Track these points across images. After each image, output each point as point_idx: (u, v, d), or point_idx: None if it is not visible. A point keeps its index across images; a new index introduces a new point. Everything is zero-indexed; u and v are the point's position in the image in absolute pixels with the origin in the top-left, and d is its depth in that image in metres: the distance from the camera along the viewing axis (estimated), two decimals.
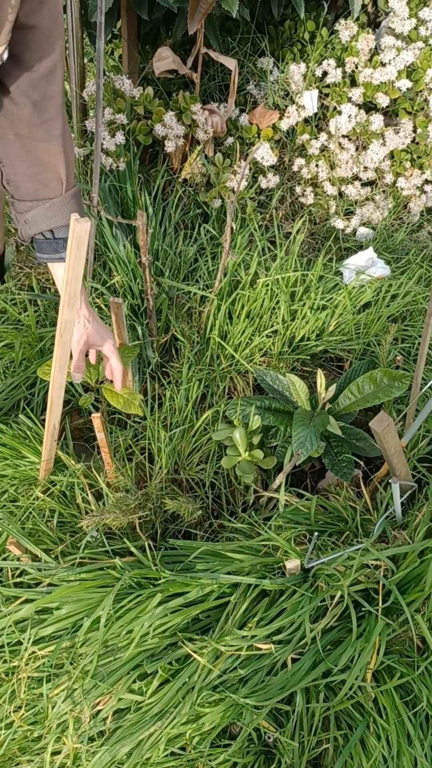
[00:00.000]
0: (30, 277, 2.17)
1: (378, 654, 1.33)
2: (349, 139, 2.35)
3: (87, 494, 1.59)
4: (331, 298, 2.01)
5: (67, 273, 1.13)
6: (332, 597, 1.35)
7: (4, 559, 1.53)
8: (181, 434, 1.81)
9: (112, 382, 1.53)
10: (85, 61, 2.20)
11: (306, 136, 2.35)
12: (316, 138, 2.34)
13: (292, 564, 1.36)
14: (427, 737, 1.32)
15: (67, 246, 1.29)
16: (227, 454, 1.73)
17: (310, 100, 2.27)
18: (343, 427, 1.76)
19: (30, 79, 1.15)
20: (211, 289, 1.95)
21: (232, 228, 1.73)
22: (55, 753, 1.29)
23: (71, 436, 1.81)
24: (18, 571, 1.48)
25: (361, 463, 1.76)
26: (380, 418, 1.18)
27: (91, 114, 2.07)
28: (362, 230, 2.39)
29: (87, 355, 1.54)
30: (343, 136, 2.35)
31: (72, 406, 1.95)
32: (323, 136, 2.33)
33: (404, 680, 1.29)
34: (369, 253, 2.16)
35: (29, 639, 1.32)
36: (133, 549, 1.43)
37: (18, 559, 1.48)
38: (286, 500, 1.59)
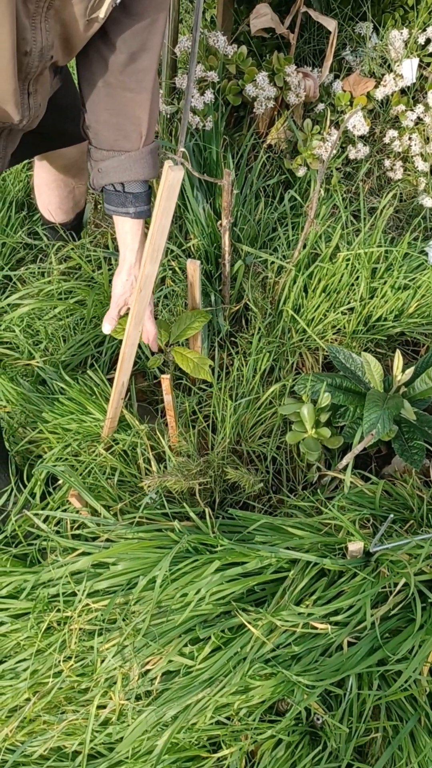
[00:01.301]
0: (106, 235, 2.16)
1: None
2: None
3: (149, 455, 1.58)
4: (415, 278, 1.92)
5: (153, 225, 1.10)
6: (395, 585, 1.30)
7: (64, 511, 1.53)
8: (247, 405, 1.78)
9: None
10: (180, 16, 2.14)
11: (401, 107, 2.23)
12: (412, 110, 2.23)
13: (356, 546, 1.31)
14: None
15: (135, 201, 1.27)
16: (293, 430, 1.68)
17: (409, 69, 2.15)
18: (416, 413, 1.68)
19: (132, 28, 1.12)
20: (288, 260, 1.89)
21: (319, 194, 1.66)
22: (100, 707, 1.30)
23: (135, 398, 1.80)
24: (77, 524, 1.48)
25: None
26: None
27: (180, 72, 2.02)
28: None
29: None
30: None
31: (138, 368, 1.94)
32: (419, 108, 2.22)
33: None
34: None
35: (84, 591, 1.32)
36: (191, 514, 1.41)
37: (77, 512, 1.49)
38: (351, 482, 1.53)
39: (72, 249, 2.00)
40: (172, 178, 0.99)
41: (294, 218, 2.07)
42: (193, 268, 1.52)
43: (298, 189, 2.11)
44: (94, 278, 1.98)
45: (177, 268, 1.92)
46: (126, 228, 1.31)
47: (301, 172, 2.08)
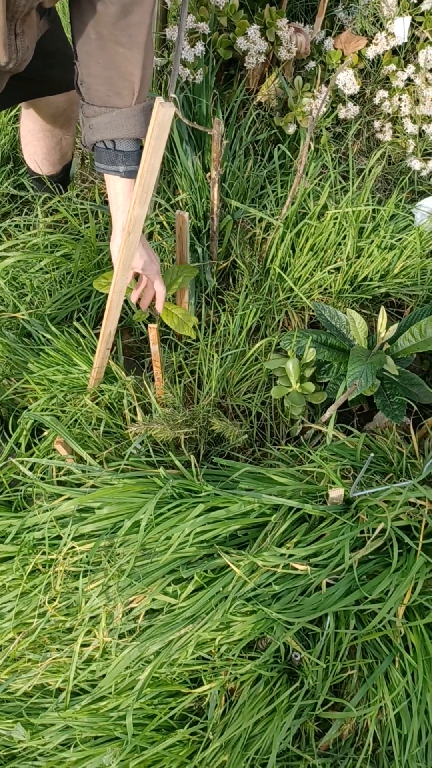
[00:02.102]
0: (93, 189, 2.14)
1: (413, 592, 1.31)
2: None
3: (135, 405, 1.59)
4: (401, 239, 1.93)
5: (143, 164, 1.09)
6: (372, 530, 1.33)
7: (50, 458, 1.55)
8: (233, 360, 1.79)
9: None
10: None
11: (392, 67, 2.22)
12: (403, 70, 2.21)
13: (336, 493, 1.34)
14: None
15: (126, 160, 1.25)
16: (278, 385, 1.70)
17: (401, 28, 2.13)
18: (399, 370, 1.71)
19: None
20: (277, 216, 1.89)
21: (309, 147, 1.66)
22: (84, 645, 1.33)
23: (122, 353, 1.81)
24: (62, 471, 1.50)
25: (414, 406, 1.71)
26: None
27: (170, 23, 1.99)
28: None
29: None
30: (431, 70, 2.22)
31: (124, 324, 1.94)
32: (410, 69, 2.21)
33: None
34: None
35: (69, 534, 1.34)
36: (176, 462, 1.43)
37: (63, 460, 1.50)
38: (333, 435, 1.56)
39: (58, 202, 1.98)
40: (162, 114, 0.98)
41: (283, 176, 2.07)
42: (182, 220, 1.52)
43: (288, 148, 2.10)
44: (80, 232, 1.97)
45: (165, 223, 1.91)
46: (117, 188, 1.29)
47: (291, 130, 2.07)
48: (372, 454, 1.19)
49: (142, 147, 1.29)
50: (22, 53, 1.18)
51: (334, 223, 1.90)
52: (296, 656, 1.27)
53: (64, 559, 1.36)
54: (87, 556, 1.33)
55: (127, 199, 1.29)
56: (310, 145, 1.69)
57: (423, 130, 2.27)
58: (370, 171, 2.02)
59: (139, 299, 1.54)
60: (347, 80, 2.07)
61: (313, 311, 1.95)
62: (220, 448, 1.69)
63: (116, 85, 1.20)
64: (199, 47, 1.89)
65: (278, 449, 1.68)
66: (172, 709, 1.27)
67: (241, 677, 1.28)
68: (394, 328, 1.67)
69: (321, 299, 1.96)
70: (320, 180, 2.04)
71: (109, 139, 1.24)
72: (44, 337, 1.75)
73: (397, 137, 2.32)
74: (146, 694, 1.26)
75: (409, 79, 2.27)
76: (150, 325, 1.47)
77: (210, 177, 1.64)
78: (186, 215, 1.50)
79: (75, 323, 1.76)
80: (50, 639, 1.39)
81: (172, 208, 1.92)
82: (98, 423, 1.61)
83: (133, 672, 1.26)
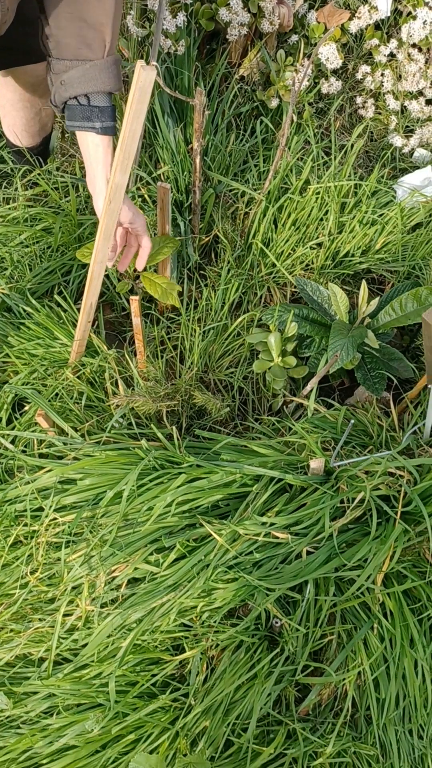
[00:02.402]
0: (74, 163, 2.11)
1: (392, 559, 1.34)
2: (420, 50, 2.22)
3: (117, 378, 1.59)
4: (383, 214, 1.94)
5: (124, 129, 1.08)
6: (352, 499, 1.35)
7: (32, 431, 1.54)
8: (215, 335, 1.79)
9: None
10: None
11: (375, 41, 2.21)
12: (386, 44, 2.21)
13: (317, 463, 1.36)
14: (430, 644, 1.35)
15: (101, 115, 1.22)
16: (260, 359, 1.71)
17: (384, 2, 2.12)
18: (379, 345, 1.72)
19: None
20: (259, 190, 1.89)
21: (292, 120, 1.65)
22: (67, 614, 1.33)
23: (104, 328, 1.80)
24: (43, 444, 1.50)
25: (395, 380, 1.73)
26: None
27: None
28: (420, 152, 2.28)
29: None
30: (413, 45, 2.21)
31: (105, 299, 1.93)
32: (393, 43, 2.20)
33: (414, 584, 1.30)
34: (426, 173, 2.06)
35: (51, 506, 1.34)
36: (158, 434, 1.43)
37: (45, 433, 1.50)
38: (315, 409, 1.57)
39: (38, 175, 1.95)
40: (144, 78, 0.97)
41: (266, 151, 2.06)
42: (164, 192, 1.51)
43: (270, 121, 2.09)
44: (61, 206, 1.95)
45: (147, 196, 1.90)
46: (96, 141, 1.25)
47: (273, 104, 2.06)
48: (352, 421, 1.20)
49: (115, 105, 1.26)
50: (2, 15, 1.16)
51: (317, 198, 1.90)
52: (277, 623, 1.29)
53: (46, 530, 1.36)
54: (69, 527, 1.33)
55: (107, 152, 1.25)
56: (292, 118, 1.68)
57: (405, 107, 2.27)
58: (352, 147, 2.02)
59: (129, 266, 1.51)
60: (330, 54, 2.06)
61: (295, 287, 1.96)
62: (203, 422, 1.69)
63: (87, 37, 1.17)
64: (181, 18, 1.86)
65: (260, 422, 1.69)
66: (154, 675, 1.28)
67: (222, 644, 1.29)
68: (375, 302, 1.68)
69: (303, 275, 1.96)
70: (302, 155, 2.04)
71: (83, 94, 1.20)
72: (25, 311, 1.73)
73: (380, 113, 2.32)
74: (128, 662, 1.27)
75: (392, 54, 2.26)
76: (132, 297, 1.47)
77: (192, 149, 1.63)
78: (168, 186, 1.48)
79: (56, 297, 1.75)
80: (32, 609, 1.39)
81: (154, 182, 1.91)
82: (80, 396, 1.61)
83: (116, 640, 1.27)
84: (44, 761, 1.23)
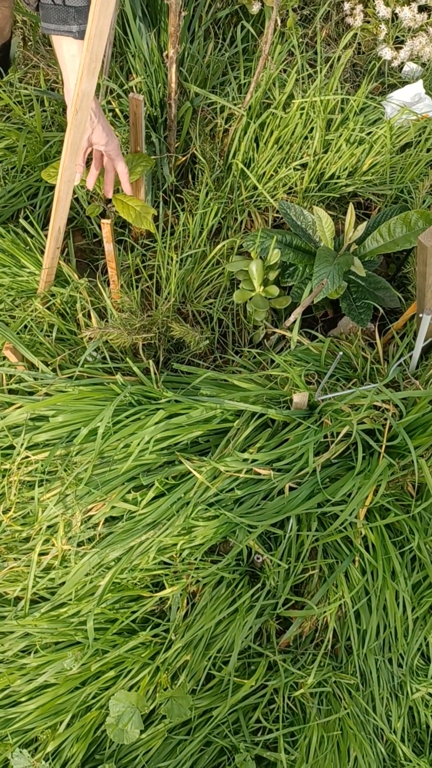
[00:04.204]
0: (38, 74, 1.93)
1: (375, 494, 1.31)
2: None
3: (89, 309, 1.50)
4: (371, 132, 1.81)
5: (90, 28, 0.95)
6: (336, 434, 1.31)
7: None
8: (192, 263, 1.70)
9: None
10: None
11: None
12: None
13: (300, 397, 1.30)
14: (412, 575, 1.34)
15: (78, 17, 1.10)
16: (240, 288, 1.63)
17: None
18: (366, 273, 1.65)
19: None
20: (240, 105, 1.75)
21: (276, 25, 1.51)
22: (42, 553, 1.30)
23: (74, 257, 1.69)
24: (13, 379, 1.42)
25: (381, 310, 1.67)
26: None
27: None
28: (410, 65, 2.13)
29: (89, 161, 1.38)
30: None
31: (75, 225, 1.81)
32: None
33: (397, 518, 1.28)
34: (417, 88, 1.93)
35: (22, 444, 1.28)
36: (134, 368, 1.36)
37: (14, 368, 1.41)
38: (298, 341, 1.51)
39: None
40: None
41: (246, 62, 1.90)
42: (136, 104, 1.38)
43: (252, 27, 1.92)
44: (25, 122, 1.79)
45: (118, 111, 1.75)
46: (73, 51, 1.14)
47: (255, 9, 1.88)
48: (340, 353, 1.14)
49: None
50: None
51: (301, 114, 1.77)
52: (258, 558, 1.27)
53: (18, 468, 1.30)
54: (42, 465, 1.28)
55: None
56: (276, 22, 1.54)
57: (396, 14, 2.10)
58: (338, 59, 1.87)
59: (99, 186, 1.41)
60: None
61: (277, 212, 1.85)
62: (181, 355, 1.62)
63: None
64: None
65: (240, 356, 1.62)
66: (133, 612, 1.26)
67: (203, 580, 1.27)
68: (362, 227, 1.59)
69: (286, 199, 1.86)
70: (286, 66, 1.88)
71: None
72: None
73: (368, 22, 2.15)
74: (107, 600, 1.25)
75: None
76: (103, 221, 1.36)
77: (167, 57, 1.49)
78: (141, 98, 1.36)
79: (22, 221, 1.63)
80: (6, 549, 1.35)
81: (125, 94, 1.75)
82: (50, 329, 1.52)
83: (94, 579, 1.24)
84: (23, 699, 1.22)
